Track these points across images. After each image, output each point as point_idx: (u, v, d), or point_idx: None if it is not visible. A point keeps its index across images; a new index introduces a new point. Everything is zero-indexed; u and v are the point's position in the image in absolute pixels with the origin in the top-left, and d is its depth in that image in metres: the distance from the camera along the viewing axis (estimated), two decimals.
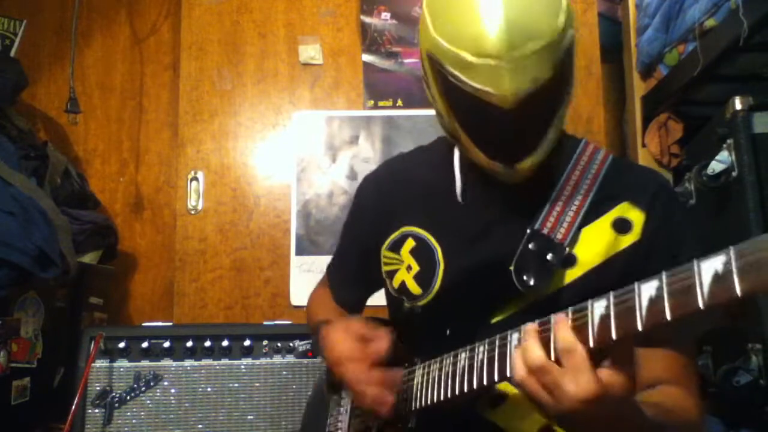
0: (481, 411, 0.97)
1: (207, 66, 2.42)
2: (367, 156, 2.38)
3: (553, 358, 0.72)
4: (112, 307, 2.42)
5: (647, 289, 0.64)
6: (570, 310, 0.73)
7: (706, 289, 0.59)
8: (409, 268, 1.09)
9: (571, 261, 0.99)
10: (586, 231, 1.00)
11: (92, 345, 1.67)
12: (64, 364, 1.97)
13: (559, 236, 0.99)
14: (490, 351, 0.83)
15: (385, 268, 1.14)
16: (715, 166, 1.71)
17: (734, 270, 0.56)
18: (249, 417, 1.71)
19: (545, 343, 0.73)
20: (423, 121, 2.37)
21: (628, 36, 2.48)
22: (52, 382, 1.96)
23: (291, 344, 1.75)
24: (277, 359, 1.74)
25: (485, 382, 0.82)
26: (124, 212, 2.60)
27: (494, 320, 0.99)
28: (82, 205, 2.28)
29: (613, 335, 0.66)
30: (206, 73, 2.42)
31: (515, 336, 0.79)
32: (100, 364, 1.69)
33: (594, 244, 0.99)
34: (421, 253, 1.08)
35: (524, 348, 0.74)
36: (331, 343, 1.03)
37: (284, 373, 1.74)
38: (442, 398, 0.91)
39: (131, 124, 2.65)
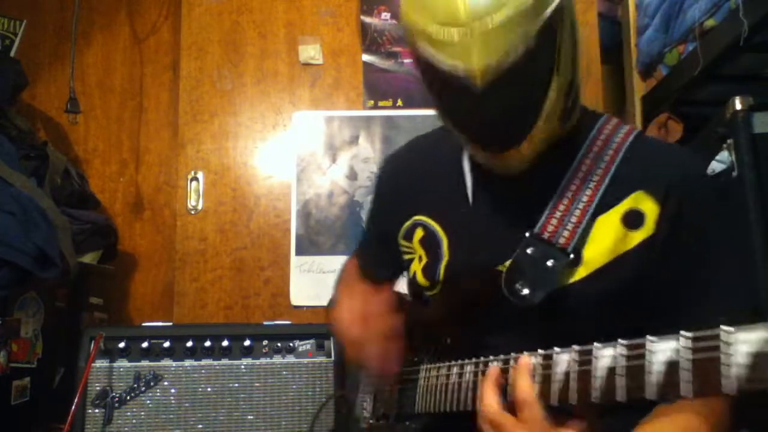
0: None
1: (207, 66, 2.42)
2: (367, 156, 2.38)
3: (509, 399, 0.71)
4: (112, 307, 2.42)
5: (605, 357, 0.61)
6: (540, 353, 0.71)
7: (655, 378, 0.53)
8: (420, 258, 1.05)
9: (575, 261, 0.88)
10: (598, 223, 0.89)
11: (92, 345, 1.67)
12: (64, 364, 1.97)
13: (562, 240, 0.87)
14: (475, 374, 0.82)
15: (405, 257, 1.10)
16: (715, 166, 1.70)
17: (682, 367, 0.50)
18: (249, 417, 1.71)
19: (502, 387, 0.74)
20: (423, 121, 2.37)
21: (628, 36, 2.48)
22: (52, 382, 1.96)
23: (291, 344, 1.75)
24: (277, 359, 1.74)
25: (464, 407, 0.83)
26: (124, 212, 2.60)
27: (497, 324, 0.92)
28: (82, 205, 2.28)
29: (570, 399, 0.65)
30: (206, 73, 2.42)
31: (495, 363, 0.78)
32: (100, 364, 1.68)
33: (600, 242, 0.88)
34: (429, 243, 1.03)
35: (480, 396, 0.75)
36: (339, 320, 1.04)
37: (284, 373, 1.74)
38: (439, 409, 0.91)
39: (131, 124, 2.65)
